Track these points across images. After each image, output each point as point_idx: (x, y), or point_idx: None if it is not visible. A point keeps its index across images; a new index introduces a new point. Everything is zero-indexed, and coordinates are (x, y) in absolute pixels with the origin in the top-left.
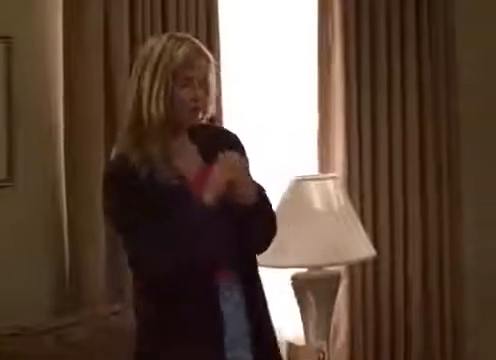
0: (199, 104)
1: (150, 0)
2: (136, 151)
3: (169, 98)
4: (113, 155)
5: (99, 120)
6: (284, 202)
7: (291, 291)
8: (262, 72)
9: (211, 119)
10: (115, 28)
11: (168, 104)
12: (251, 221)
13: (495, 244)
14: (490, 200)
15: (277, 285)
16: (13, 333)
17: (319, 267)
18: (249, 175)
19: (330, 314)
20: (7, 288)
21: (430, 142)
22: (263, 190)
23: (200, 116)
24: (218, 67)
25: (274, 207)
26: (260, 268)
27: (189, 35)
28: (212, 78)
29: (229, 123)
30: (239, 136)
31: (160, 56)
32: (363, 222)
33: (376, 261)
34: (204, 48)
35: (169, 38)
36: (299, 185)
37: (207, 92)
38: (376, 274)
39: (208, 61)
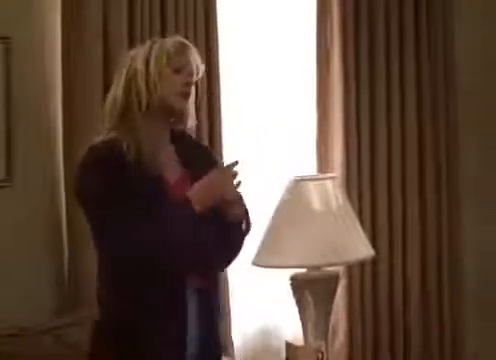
0: (189, 90)
1: (149, 0)
2: (127, 138)
3: (162, 83)
4: (98, 141)
5: (98, 120)
6: (283, 202)
7: (290, 291)
8: (261, 72)
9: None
10: (114, 28)
11: (161, 89)
12: (230, 234)
13: (494, 244)
14: (489, 200)
15: (276, 285)
16: (12, 333)
17: (318, 267)
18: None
19: (329, 314)
20: (6, 288)
21: (429, 142)
22: (247, 213)
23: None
24: (216, 68)
25: (273, 207)
26: (260, 268)
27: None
28: (198, 83)
29: (228, 123)
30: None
31: (151, 48)
32: (362, 222)
33: (375, 261)
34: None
35: (154, 41)
36: (298, 185)
37: (193, 93)
38: (375, 274)
39: (197, 59)
